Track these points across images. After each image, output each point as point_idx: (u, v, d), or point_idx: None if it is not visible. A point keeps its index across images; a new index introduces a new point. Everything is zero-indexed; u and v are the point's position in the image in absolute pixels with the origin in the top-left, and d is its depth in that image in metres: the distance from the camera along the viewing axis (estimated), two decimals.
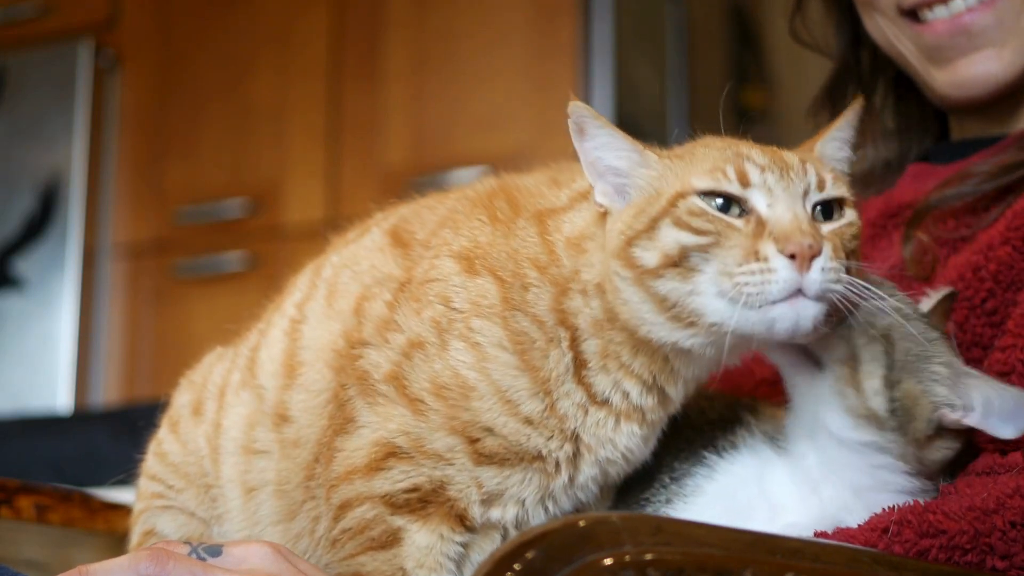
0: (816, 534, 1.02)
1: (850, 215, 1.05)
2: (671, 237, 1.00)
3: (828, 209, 1.04)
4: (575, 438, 1.07)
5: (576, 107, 1.05)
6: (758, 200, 1.00)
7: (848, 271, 1.01)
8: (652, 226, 1.01)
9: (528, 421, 1.06)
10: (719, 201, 1.01)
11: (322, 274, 1.25)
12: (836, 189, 1.04)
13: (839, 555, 0.90)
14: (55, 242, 3.79)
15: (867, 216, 1.42)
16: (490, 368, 1.06)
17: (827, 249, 0.98)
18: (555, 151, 3.62)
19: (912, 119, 1.60)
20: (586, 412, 1.07)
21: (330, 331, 1.17)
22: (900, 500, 1.05)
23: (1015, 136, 1.37)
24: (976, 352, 1.21)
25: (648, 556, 0.80)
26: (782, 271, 0.96)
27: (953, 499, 1.02)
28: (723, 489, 1.11)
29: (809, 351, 1.07)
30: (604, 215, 1.07)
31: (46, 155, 3.84)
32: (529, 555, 0.79)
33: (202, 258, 3.72)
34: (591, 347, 1.07)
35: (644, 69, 3.52)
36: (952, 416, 1.05)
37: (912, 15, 1.42)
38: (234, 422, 1.25)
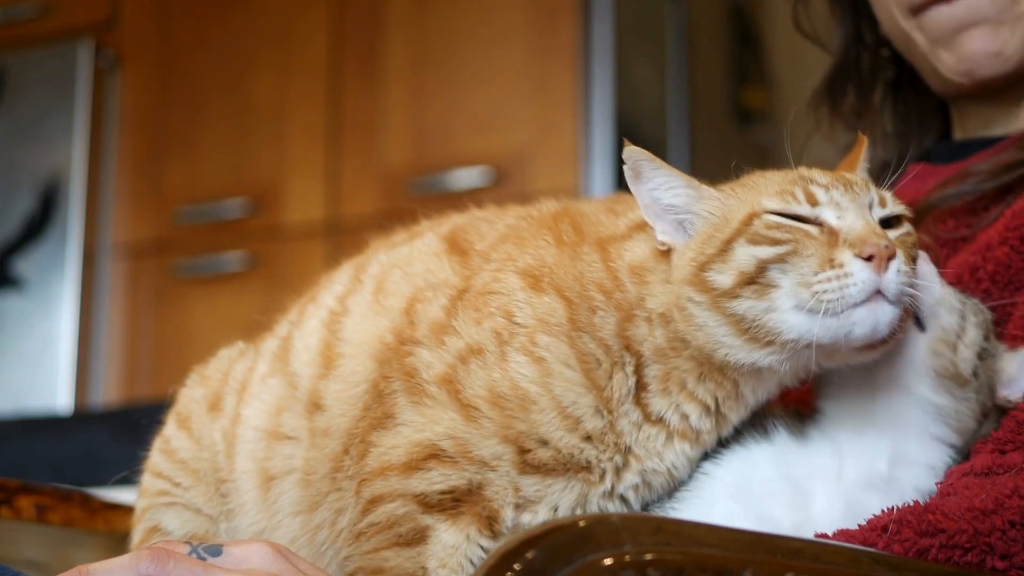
0: (816, 535, 1.03)
1: (907, 226, 1.08)
2: (747, 254, 1.02)
3: (888, 225, 1.07)
4: (627, 451, 1.09)
5: (632, 152, 1.07)
6: (828, 215, 1.03)
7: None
8: (725, 248, 1.04)
9: (587, 437, 1.07)
10: (791, 218, 1.04)
11: (368, 271, 1.25)
12: (896, 206, 1.08)
13: (839, 555, 0.90)
14: (55, 242, 3.79)
15: None
16: (553, 384, 1.07)
17: (900, 252, 1.01)
18: (555, 151, 3.65)
19: (911, 120, 1.61)
20: (639, 428, 1.09)
21: (376, 325, 1.17)
22: (928, 478, 1.07)
23: (1016, 136, 1.38)
24: None
25: (648, 556, 0.80)
26: (859, 273, 0.99)
27: (952, 500, 1.02)
28: (732, 474, 1.11)
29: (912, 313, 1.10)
30: (666, 252, 1.09)
31: (46, 155, 3.84)
32: (529, 555, 0.79)
33: (202, 258, 3.72)
34: (652, 372, 1.08)
35: (644, 69, 3.52)
36: (1002, 393, 1.10)
37: (921, 10, 1.45)
38: (257, 410, 1.25)
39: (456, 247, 1.21)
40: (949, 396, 1.09)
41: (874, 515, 1.02)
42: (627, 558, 0.79)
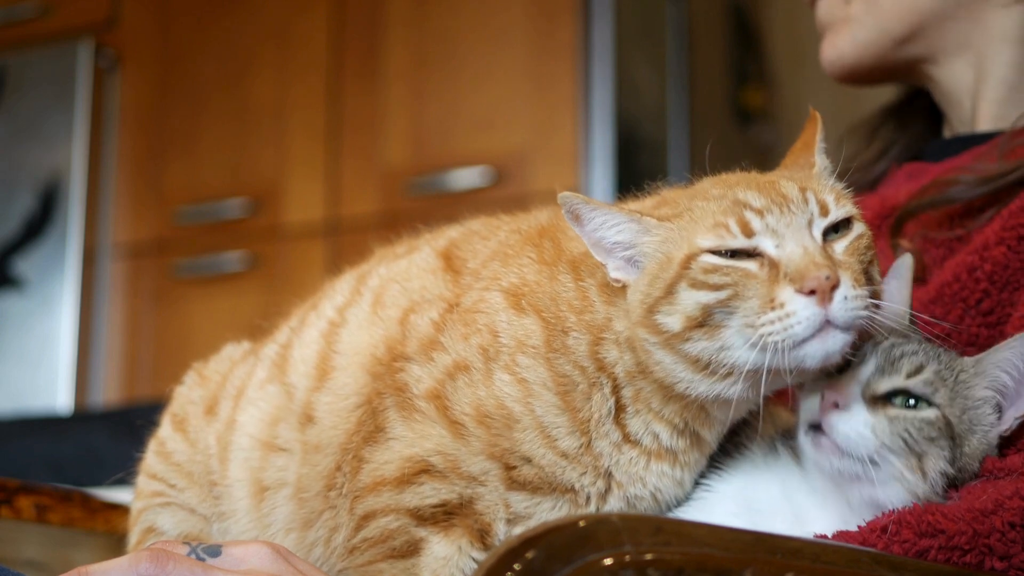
0: (816, 535, 1.03)
1: (858, 227, 1.04)
2: (691, 299, 1.00)
3: (835, 227, 1.03)
4: (607, 475, 1.09)
5: (565, 197, 1.05)
6: (766, 245, 1.00)
7: (872, 281, 1.01)
8: (670, 291, 1.01)
9: (564, 455, 1.07)
10: (729, 252, 1.01)
11: (368, 283, 1.25)
12: (841, 209, 1.03)
13: (839, 555, 0.90)
14: (55, 242, 3.79)
15: (863, 217, 1.43)
16: (534, 404, 1.07)
17: (846, 277, 0.97)
18: (555, 151, 3.65)
19: (905, 117, 1.61)
20: (620, 450, 1.08)
21: (371, 335, 1.18)
22: None
23: (1007, 135, 1.37)
24: (971, 352, 1.21)
25: (648, 556, 0.80)
26: (803, 311, 0.96)
27: (952, 502, 1.02)
28: (735, 489, 1.11)
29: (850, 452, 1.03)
30: (623, 288, 1.07)
31: (46, 155, 3.84)
32: (529, 555, 0.79)
33: (202, 258, 3.72)
34: (628, 393, 1.08)
35: (644, 69, 3.52)
36: (1003, 428, 1.06)
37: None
38: (253, 417, 1.25)
39: (450, 265, 1.21)
40: (937, 496, 1.04)
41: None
42: (627, 558, 0.79)
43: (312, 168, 3.64)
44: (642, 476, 1.09)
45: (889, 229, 1.41)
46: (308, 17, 3.71)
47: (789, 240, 0.99)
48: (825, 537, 1.01)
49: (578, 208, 1.05)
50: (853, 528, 1.02)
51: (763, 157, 4.07)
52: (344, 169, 3.61)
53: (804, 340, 0.96)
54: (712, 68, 3.86)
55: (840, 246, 1.01)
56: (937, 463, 1.03)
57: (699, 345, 1.00)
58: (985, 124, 1.45)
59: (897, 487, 1.03)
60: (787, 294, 0.96)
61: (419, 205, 3.43)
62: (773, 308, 0.97)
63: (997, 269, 1.22)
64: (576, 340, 1.08)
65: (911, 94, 1.60)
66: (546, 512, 1.09)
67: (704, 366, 1.01)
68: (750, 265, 0.99)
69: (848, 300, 0.97)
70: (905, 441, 1.02)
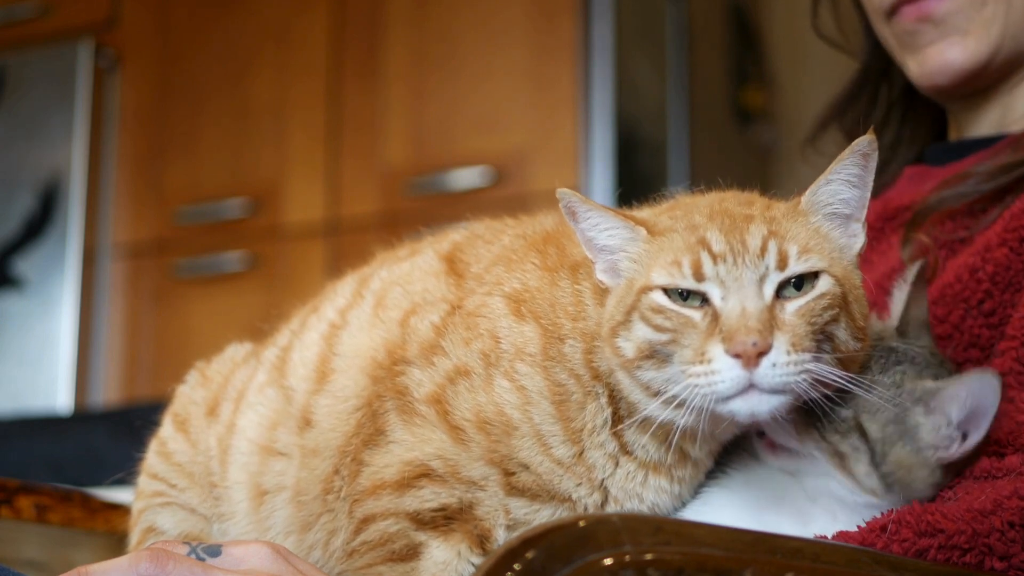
0: (816, 535, 1.03)
1: (823, 285, 1.00)
2: (640, 332, 1.01)
3: (799, 282, 1.00)
4: (603, 489, 1.09)
5: (563, 193, 1.06)
6: (713, 293, 0.99)
7: (832, 339, 1.00)
8: (627, 318, 1.03)
9: (559, 463, 1.08)
10: (680, 292, 1.00)
11: (370, 285, 1.25)
12: (801, 264, 1.00)
13: (839, 555, 0.90)
14: (55, 242, 3.79)
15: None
16: (532, 412, 1.07)
17: (782, 343, 0.96)
18: (555, 151, 3.65)
19: (908, 121, 1.61)
20: (616, 463, 1.09)
21: (371, 338, 1.18)
22: None
23: (1013, 137, 1.38)
24: (974, 353, 1.22)
25: (648, 556, 0.80)
26: (726, 372, 0.96)
27: (951, 502, 1.02)
28: (739, 484, 1.12)
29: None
30: (606, 291, 1.07)
31: (46, 155, 3.84)
32: (529, 555, 0.79)
33: (202, 258, 3.72)
34: (624, 405, 1.08)
35: (644, 69, 3.52)
36: (949, 453, 1.06)
37: (891, 14, 1.47)
38: (252, 421, 1.25)
39: (454, 268, 1.21)
40: (884, 498, 1.06)
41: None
42: (627, 558, 0.79)
43: (312, 168, 3.64)
44: (639, 492, 1.09)
45: (895, 229, 1.42)
46: (308, 17, 3.71)
47: (733, 295, 0.98)
48: (825, 537, 1.02)
49: (574, 205, 1.06)
50: (854, 527, 1.02)
51: (763, 157, 4.07)
52: (344, 169, 3.61)
53: (728, 397, 0.97)
54: (712, 68, 3.86)
55: (792, 306, 0.99)
56: (858, 465, 1.05)
57: (648, 374, 1.02)
58: (1017, 126, 1.44)
59: (835, 483, 1.07)
60: (716, 351, 0.97)
61: (419, 205, 3.43)
62: (702, 362, 0.97)
63: (999, 270, 1.22)
64: (572, 348, 1.08)
65: (889, 100, 1.60)
66: (545, 519, 1.08)
67: (655, 393, 1.02)
68: (694, 314, 0.99)
69: (777, 367, 0.96)
70: (821, 434, 1.05)
